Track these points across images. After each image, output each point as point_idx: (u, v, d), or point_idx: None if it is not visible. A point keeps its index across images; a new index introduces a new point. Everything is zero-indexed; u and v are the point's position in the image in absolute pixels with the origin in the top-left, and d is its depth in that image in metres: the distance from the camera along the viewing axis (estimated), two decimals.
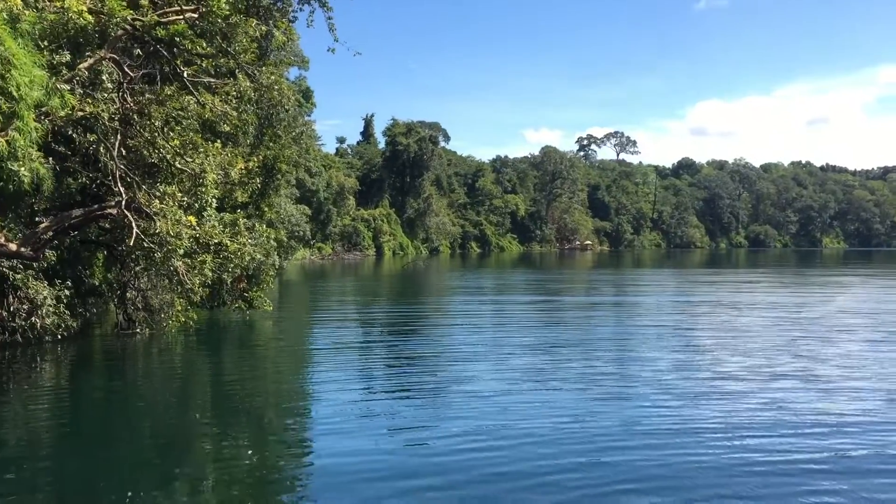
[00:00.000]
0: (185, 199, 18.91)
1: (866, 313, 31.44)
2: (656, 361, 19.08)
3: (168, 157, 18.65)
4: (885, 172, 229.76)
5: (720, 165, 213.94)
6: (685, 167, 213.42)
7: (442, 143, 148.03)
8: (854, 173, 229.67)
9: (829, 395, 15.00)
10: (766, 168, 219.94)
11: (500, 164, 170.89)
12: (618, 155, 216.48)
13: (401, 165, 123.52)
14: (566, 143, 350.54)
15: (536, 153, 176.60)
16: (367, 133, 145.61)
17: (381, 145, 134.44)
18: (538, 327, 27.63)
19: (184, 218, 18.50)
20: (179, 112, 18.75)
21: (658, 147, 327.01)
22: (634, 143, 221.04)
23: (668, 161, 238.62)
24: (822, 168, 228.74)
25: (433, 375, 17.48)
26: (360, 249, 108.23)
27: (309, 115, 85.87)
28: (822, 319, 28.97)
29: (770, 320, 28.64)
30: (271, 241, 27.79)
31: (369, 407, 14.31)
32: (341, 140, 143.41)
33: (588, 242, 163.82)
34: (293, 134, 35.36)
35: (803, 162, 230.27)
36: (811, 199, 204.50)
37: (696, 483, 9.91)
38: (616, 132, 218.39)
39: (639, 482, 9.90)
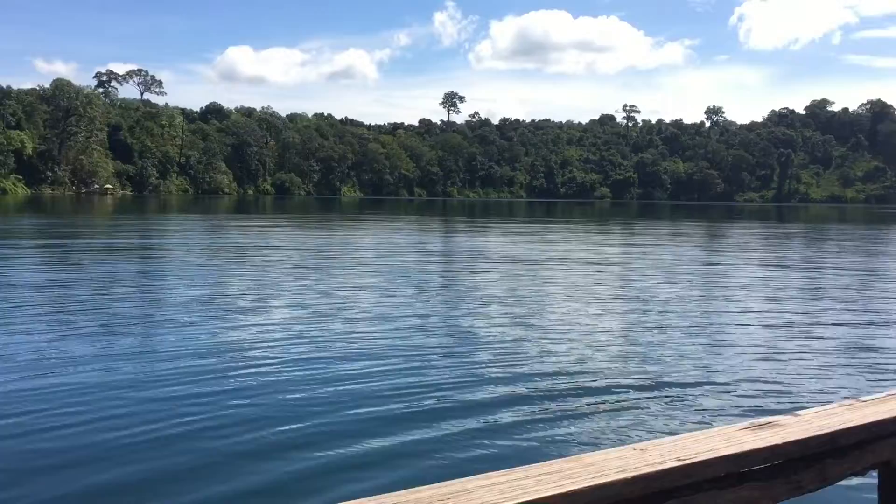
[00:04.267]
0: None
1: (370, 249, 33.90)
2: (161, 294, 17.66)
3: None
4: (394, 128, 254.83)
5: (248, 112, 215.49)
6: (214, 112, 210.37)
7: None
8: (369, 128, 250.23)
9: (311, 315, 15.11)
10: (292, 118, 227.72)
11: (1, 95, 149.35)
12: (142, 94, 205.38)
13: None
14: (83, 78, 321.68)
15: (47, 85, 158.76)
16: None
17: None
18: (40, 271, 23.99)
19: None
20: None
21: (186, 90, 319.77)
22: (160, 83, 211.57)
23: (196, 105, 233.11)
24: (342, 121, 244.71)
25: None
26: None
27: None
28: (331, 257, 30.45)
29: (287, 259, 29.05)
30: None
31: None
32: None
33: (109, 186, 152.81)
34: None
35: (325, 114, 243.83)
36: (332, 150, 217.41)
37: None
38: (140, 70, 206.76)
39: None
